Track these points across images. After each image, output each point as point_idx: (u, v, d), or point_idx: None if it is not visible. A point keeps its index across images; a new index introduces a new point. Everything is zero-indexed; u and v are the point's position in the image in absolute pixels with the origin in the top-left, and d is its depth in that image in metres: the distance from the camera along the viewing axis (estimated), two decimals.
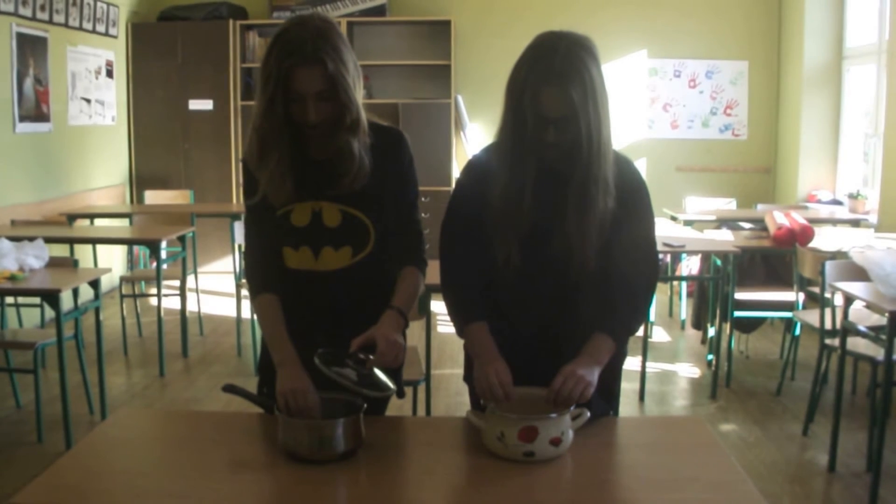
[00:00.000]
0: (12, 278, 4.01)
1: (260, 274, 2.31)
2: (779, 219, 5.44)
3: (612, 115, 2.10)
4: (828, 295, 4.35)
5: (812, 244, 5.16)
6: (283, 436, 1.96)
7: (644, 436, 2.17)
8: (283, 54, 2.04)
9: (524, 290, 2.23)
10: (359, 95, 2.13)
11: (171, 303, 6.20)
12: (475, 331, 2.20)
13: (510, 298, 2.25)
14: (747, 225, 6.22)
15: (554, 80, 2.00)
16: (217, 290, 7.73)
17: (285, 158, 2.17)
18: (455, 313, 2.26)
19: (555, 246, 2.15)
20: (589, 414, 2.00)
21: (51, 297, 3.96)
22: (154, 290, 5.83)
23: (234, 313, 5.99)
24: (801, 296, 5.04)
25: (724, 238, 5.59)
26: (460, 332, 2.26)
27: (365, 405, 2.02)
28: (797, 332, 5.10)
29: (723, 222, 6.42)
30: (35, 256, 4.26)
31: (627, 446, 2.11)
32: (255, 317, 2.31)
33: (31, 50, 6.49)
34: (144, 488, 1.81)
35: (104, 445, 2.05)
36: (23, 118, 6.41)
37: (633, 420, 2.29)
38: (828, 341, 4.36)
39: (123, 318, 6.12)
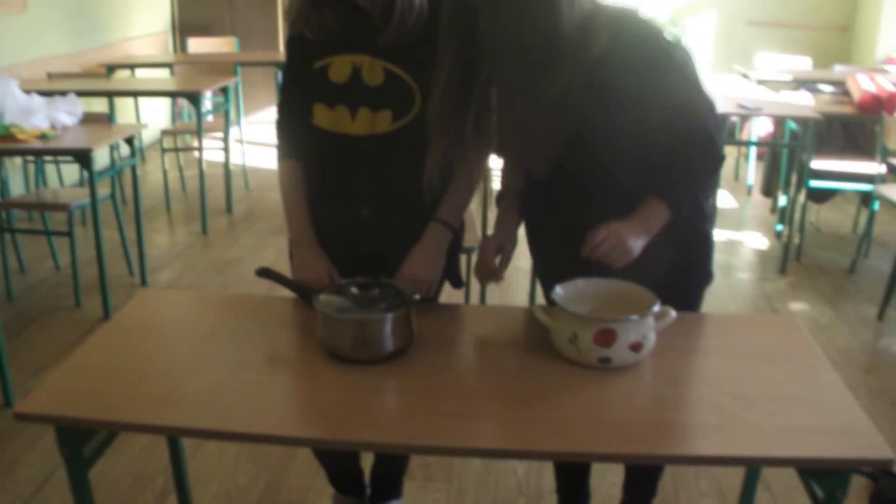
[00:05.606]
0: (43, 136, 3.79)
1: (289, 135, 2.11)
2: (863, 83, 5.00)
3: None
4: None
5: None
6: (323, 332, 1.74)
7: (733, 339, 1.89)
8: None
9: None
10: None
11: (217, 156, 5.99)
12: (502, 208, 2.12)
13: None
14: (827, 88, 5.76)
15: None
16: (263, 141, 7.50)
17: None
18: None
19: None
20: (675, 314, 1.75)
21: (83, 156, 3.73)
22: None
23: None
24: (884, 168, 4.67)
25: (804, 102, 5.16)
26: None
27: (417, 296, 1.79)
28: (875, 206, 4.74)
29: (800, 83, 5.96)
30: (67, 112, 4.03)
31: (715, 352, 1.83)
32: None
33: None
34: (174, 381, 1.62)
35: (126, 332, 1.86)
36: None
37: (721, 319, 2.04)
38: None
39: (165, 173, 5.93)
